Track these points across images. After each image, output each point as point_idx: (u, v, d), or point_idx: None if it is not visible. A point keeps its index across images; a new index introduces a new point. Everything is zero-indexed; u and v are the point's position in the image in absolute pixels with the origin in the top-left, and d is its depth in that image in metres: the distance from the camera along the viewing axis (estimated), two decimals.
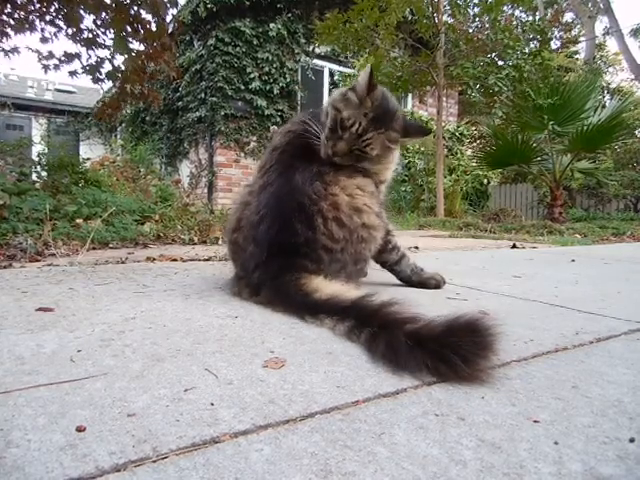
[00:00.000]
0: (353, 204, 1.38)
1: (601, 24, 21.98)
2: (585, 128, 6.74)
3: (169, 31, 4.34)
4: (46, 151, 7.09)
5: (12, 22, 3.96)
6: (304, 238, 1.32)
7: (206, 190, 8.41)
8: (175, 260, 2.39)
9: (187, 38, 8.73)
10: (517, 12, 12.96)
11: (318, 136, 1.43)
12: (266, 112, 8.37)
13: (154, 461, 0.55)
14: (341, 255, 1.37)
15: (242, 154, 8.33)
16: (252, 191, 1.51)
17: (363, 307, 1.07)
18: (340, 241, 1.35)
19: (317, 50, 8.96)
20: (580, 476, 0.54)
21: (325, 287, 1.22)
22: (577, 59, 18.52)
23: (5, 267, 2.02)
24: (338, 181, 1.40)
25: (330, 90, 9.62)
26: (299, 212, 1.33)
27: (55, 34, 4.11)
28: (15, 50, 4.18)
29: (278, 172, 1.44)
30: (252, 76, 8.16)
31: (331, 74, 9.72)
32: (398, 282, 1.77)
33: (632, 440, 0.63)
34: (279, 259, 1.32)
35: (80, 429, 0.61)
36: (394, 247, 1.68)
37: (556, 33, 19.58)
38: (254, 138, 8.39)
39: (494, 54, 7.61)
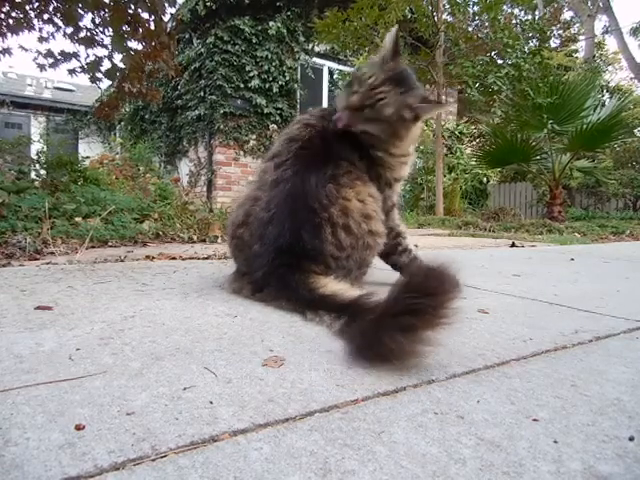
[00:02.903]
0: (364, 211, 1.37)
1: (600, 23, 21.98)
2: (584, 127, 6.74)
3: (168, 29, 4.32)
4: (45, 149, 7.09)
5: (11, 21, 3.95)
6: (311, 246, 1.30)
7: (205, 188, 8.40)
8: (174, 258, 2.39)
9: (186, 36, 8.71)
10: (516, 11, 12.95)
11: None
12: (265, 110, 8.35)
13: (153, 460, 0.55)
14: (347, 262, 1.36)
15: (241, 152, 8.32)
16: (262, 185, 1.45)
17: (357, 306, 1.07)
18: (346, 248, 1.34)
19: (316, 48, 8.94)
20: (579, 474, 0.54)
21: (333, 285, 1.22)
22: (576, 58, 18.52)
23: (4, 265, 2.02)
24: (354, 185, 1.37)
25: (330, 89, 9.61)
26: (308, 221, 1.31)
27: (53, 34, 4.10)
28: (7, 51, 4.16)
29: (295, 169, 1.38)
30: (251, 74, 8.14)
31: (330, 72, 9.70)
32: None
33: (631, 439, 0.63)
34: (287, 260, 1.29)
35: (79, 427, 0.61)
36: (405, 249, 1.64)
37: (555, 32, 19.57)
38: (253, 137, 8.38)
39: (493, 53, 7.60)
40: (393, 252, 1.62)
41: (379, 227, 1.42)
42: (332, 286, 1.22)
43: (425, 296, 0.83)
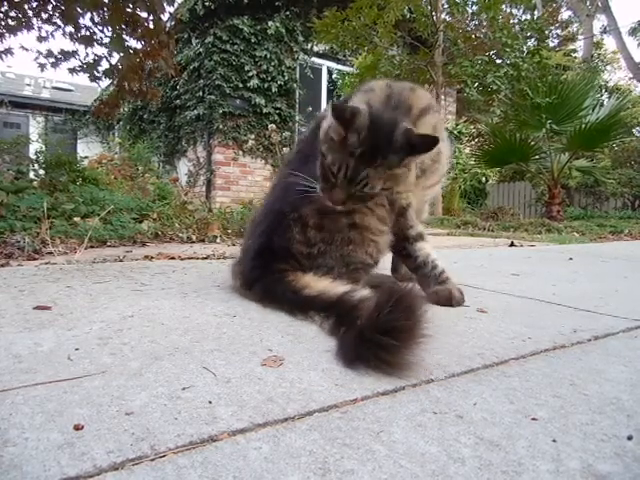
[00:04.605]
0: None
1: (599, 22, 22.00)
2: (583, 126, 6.75)
3: (167, 28, 4.32)
4: (43, 149, 7.06)
5: (9, 21, 3.95)
6: (278, 246, 1.33)
7: (204, 188, 8.39)
8: (173, 258, 2.39)
9: (185, 36, 8.69)
10: (515, 10, 12.95)
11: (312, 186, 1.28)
12: (264, 110, 8.34)
13: (152, 459, 0.55)
14: (323, 259, 1.31)
15: (240, 152, 8.30)
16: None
17: (343, 303, 1.08)
18: (317, 244, 1.30)
19: (315, 48, 8.93)
20: (578, 473, 0.54)
21: (316, 283, 1.21)
22: (575, 57, 18.53)
23: (2, 265, 2.02)
24: None
25: (329, 88, 9.61)
26: (278, 223, 1.34)
27: (52, 33, 4.10)
28: (8, 51, 4.16)
29: (285, 175, 1.47)
30: (250, 74, 8.13)
31: (329, 72, 9.69)
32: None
33: (630, 438, 0.63)
34: (259, 262, 1.36)
35: (78, 427, 0.60)
36: (408, 255, 1.52)
37: (553, 31, 19.60)
38: (252, 136, 8.36)
39: (492, 52, 7.60)
40: (399, 254, 1.56)
41: (368, 222, 1.32)
42: (316, 285, 1.21)
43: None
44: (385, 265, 1.76)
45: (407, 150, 1.18)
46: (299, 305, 1.18)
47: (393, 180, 1.24)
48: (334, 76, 9.71)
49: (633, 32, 20.40)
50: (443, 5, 7.59)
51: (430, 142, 1.20)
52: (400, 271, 1.77)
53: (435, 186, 1.56)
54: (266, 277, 1.31)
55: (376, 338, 0.84)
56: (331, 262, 1.32)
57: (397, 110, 1.29)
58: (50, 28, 4.05)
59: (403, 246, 1.50)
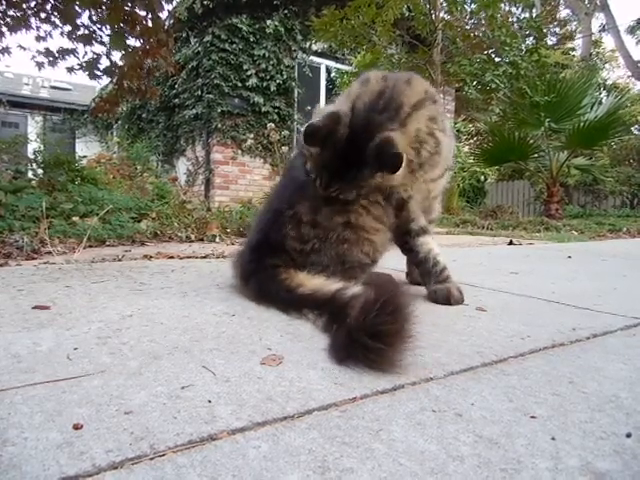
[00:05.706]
0: (340, 205, 1.31)
1: (597, 21, 22.00)
2: (582, 125, 6.76)
3: (165, 27, 4.32)
4: (42, 149, 7.06)
5: (8, 20, 3.94)
6: (274, 242, 1.33)
7: (203, 187, 8.38)
8: (172, 258, 2.38)
9: (183, 35, 8.67)
10: (514, 9, 12.95)
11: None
12: (263, 109, 8.33)
13: (151, 458, 0.55)
14: (317, 256, 1.30)
15: (239, 151, 8.29)
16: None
17: (335, 301, 1.08)
18: (311, 240, 1.29)
19: (314, 47, 8.92)
20: (577, 471, 0.55)
21: (309, 281, 1.21)
22: (574, 56, 18.55)
23: (1, 265, 2.01)
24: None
25: (327, 87, 9.60)
26: (275, 219, 1.36)
27: (50, 32, 4.09)
28: (6, 50, 4.15)
29: (288, 173, 1.51)
30: (249, 73, 8.12)
31: (328, 71, 9.68)
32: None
33: (629, 435, 0.63)
34: (260, 256, 1.37)
35: (77, 427, 0.60)
36: (410, 249, 1.50)
37: (552, 30, 19.61)
38: (251, 135, 8.35)
39: (491, 51, 7.61)
40: (402, 249, 1.53)
41: (363, 221, 1.31)
42: (309, 283, 1.20)
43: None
44: (388, 263, 1.75)
45: (377, 166, 1.21)
46: (293, 303, 1.18)
47: (368, 187, 1.27)
48: (333, 75, 9.69)
49: (631, 30, 20.37)
50: (442, 3, 7.58)
51: (394, 164, 1.18)
52: (413, 274, 1.73)
53: (439, 180, 1.51)
54: (260, 272, 1.32)
55: (363, 340, 0.84)
56: (326, 260, 1.30)
57: (385, 112, 1.27)
58: (49, 28, 4.05)
59: (405, 240, 1.48)
